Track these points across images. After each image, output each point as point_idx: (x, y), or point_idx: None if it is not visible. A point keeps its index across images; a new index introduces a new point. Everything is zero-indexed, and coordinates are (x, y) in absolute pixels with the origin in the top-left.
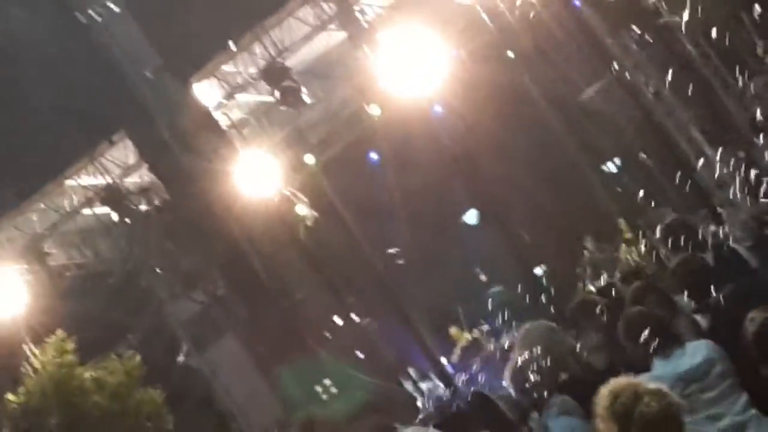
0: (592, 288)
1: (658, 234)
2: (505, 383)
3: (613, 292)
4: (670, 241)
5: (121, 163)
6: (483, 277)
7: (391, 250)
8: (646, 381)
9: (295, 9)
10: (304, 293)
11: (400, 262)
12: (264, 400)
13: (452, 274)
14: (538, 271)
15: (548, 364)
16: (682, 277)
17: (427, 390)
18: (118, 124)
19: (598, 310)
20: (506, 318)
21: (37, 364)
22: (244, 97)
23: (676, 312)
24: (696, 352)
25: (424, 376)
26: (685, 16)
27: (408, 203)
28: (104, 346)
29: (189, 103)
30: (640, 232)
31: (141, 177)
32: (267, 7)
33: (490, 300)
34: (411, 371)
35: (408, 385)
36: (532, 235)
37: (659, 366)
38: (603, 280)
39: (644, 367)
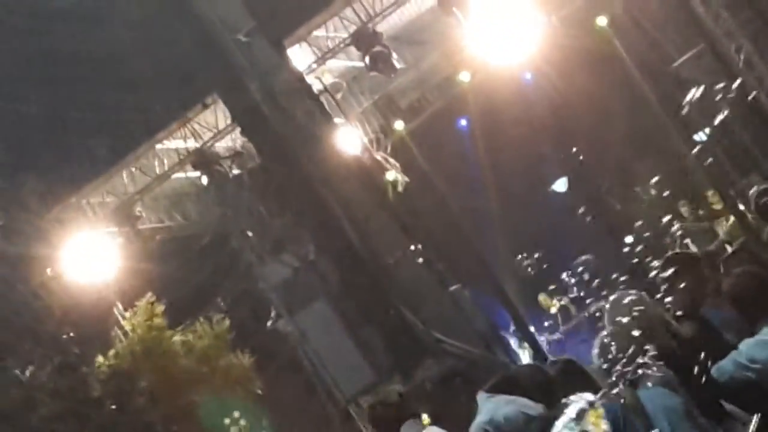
0: None
1: (751, 204)
2: (594, 352)
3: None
4: (761, 211)
5: (212, 126)
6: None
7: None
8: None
9: None
10: (395, 259)
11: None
12: (353, 366)
13: (541, 242)
14: (629, 239)
15: (637, 334)
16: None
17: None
18: (211, 87)
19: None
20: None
21: (127, 327)
22: (335, 63)
23: None
24: None
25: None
26: None
27: (497, 170)
28: (193, 309)
29: (281, 66)
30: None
31: (233, 141)
32: None
33: (579, 268)
34: (506, 336)
35: (499, 352)
36: (623, 203)
37: (766, 331)
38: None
39: (747, 333)
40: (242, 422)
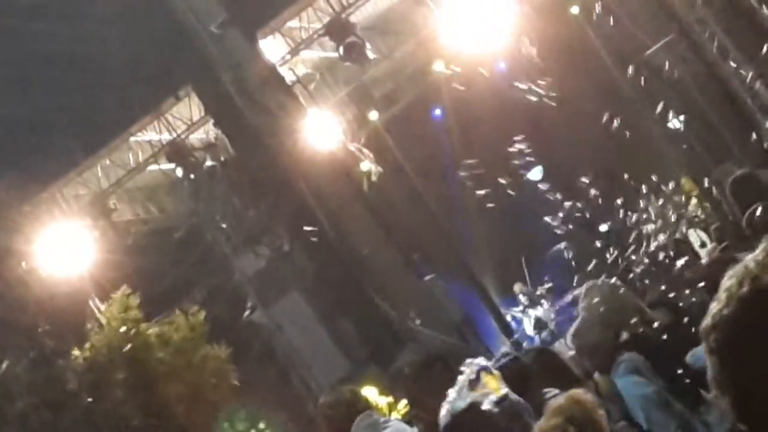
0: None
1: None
2: (568, 342)
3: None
4: (738, 195)
5: (186, 119)
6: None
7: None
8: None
9: None
10: (369, 249)
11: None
12: (328, 356)
13: (516, 231)
14: (603, 227)
15: (610, 322)
16: (759, 229)
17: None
18: (184, 79)
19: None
20: (570, 275)
21: (102, 319)
22: (309, 53)
23: None
24: None
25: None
26: None
27: (472, 159)
28: (169, 301)
29: (254, 58)
30: (707, 188)
31: (206, 132)
32: None
33: (553, 256)
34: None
35: (472, 340)
36: (597, 191)
37: None
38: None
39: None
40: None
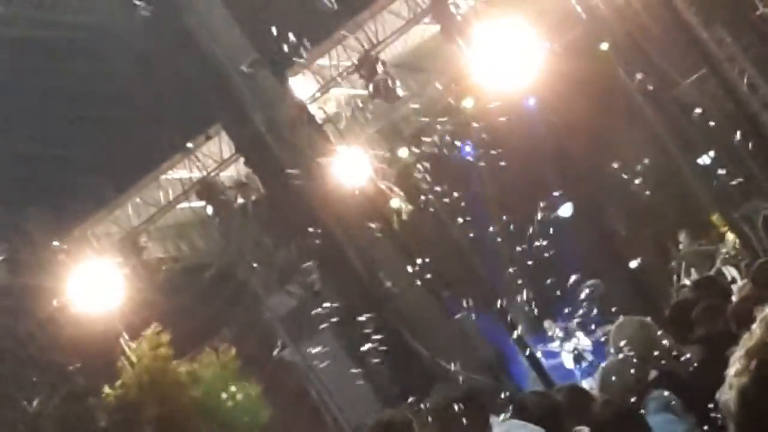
0: (686, 282)
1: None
2: (596, 382)
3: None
4: None
5: (216, 157)
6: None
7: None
8: None
9: (389, 2)
10: (400, 287)
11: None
12: (359, 394)
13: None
14: (633, 264)
15: (640, 359)
16: None
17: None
18: (214, 118)
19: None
20: (600, 312)
21: (133, 357)
22: (339, 91)
23: None
24: None
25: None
26: None
27: (501, 196)
28: (200, 339)
29: (284, 96)
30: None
31: (237, 171)
32: (361, 0)
33: (585, 294)
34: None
35: (505, 379)
36: (628, 228)
37: None
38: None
39: None
40: None
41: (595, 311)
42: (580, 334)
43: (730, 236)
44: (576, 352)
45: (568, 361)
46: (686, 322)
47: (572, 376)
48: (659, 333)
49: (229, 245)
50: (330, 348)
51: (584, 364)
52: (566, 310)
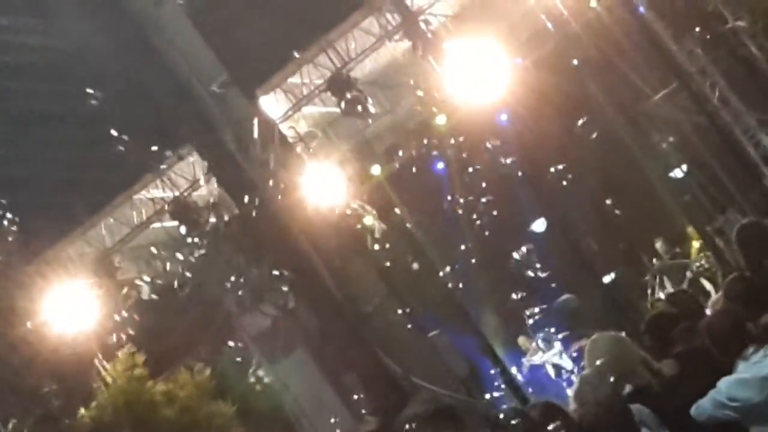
0: (661, 295)
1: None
2: (570, 393)
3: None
4: (744, 243)
5: (189, 176)
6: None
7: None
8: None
9: (360, 20)
10: (373, 305)
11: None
12: (333, 412)
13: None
14: (606, 279)
15: (614, 374)
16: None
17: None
18: (186, 138)
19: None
20: (574, 326)
21: (107, 378)
22: (310, 109)
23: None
24: None
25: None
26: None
27: (474, 212)
28: (174, 359)
29: (255, 115)
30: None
31: (209, 191)
32: (331, 18)
33: (558, 309)
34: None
35: (479, 396)
36: (600, 243)
37: (742, 368)
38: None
39: (724, 371)
40: None
41: (568, 325)
42: (557, 344)
43: (699, 248)
44: (555, 365)
45: (552, 373)
46: (661, 336)
47: (557, 387)
48: (634, 347)
49: (202, 265)
50: (304, 366)
51: (565, 376)
52: (540, 326)
